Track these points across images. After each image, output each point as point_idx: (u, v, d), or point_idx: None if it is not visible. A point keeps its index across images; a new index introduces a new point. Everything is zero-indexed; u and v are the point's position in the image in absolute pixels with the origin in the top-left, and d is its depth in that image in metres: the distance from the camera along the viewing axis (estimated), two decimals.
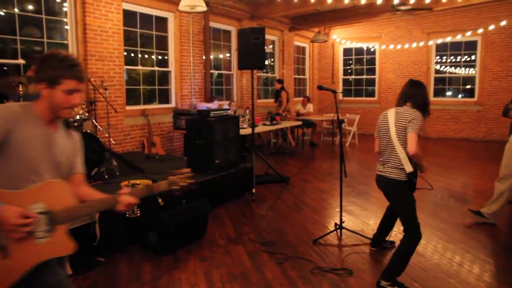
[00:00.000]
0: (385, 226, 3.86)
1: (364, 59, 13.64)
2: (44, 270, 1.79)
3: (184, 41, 8.45)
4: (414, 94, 3.30)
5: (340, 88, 14.01)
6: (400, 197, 3.29)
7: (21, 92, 4.45)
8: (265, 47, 6.03)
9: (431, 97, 12.14)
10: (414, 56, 12.39)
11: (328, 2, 9.10)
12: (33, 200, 1.70)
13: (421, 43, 12.11)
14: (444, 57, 12.21)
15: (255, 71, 6.53)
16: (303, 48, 13.79)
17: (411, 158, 3.16)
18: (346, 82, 14.10)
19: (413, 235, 3.16)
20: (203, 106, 8.12)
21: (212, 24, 9.31)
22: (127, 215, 3.90)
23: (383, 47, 12.84)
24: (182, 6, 6.36)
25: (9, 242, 1.65)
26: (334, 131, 11.21)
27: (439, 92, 12.46)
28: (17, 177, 1.72)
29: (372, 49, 13.28)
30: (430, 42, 12.02)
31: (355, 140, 11.13)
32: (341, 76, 14.06)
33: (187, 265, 3.61)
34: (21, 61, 5.90)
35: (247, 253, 3.87)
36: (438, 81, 12.39)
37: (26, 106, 1.82)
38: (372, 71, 13.46)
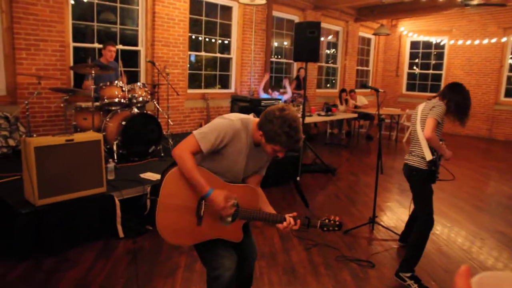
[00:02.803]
0: (414, 222, 3.97)
1: (432, 54, 13.22)
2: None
3: (246, 29, 8.77)
4: (451, 98, 3.38)
5: (404, 82, 13.74)
6: (417, 185, 3.43)
7: (93, 74, 5.01)
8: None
9: (502, 97, 11.60)
10: (486, 52, 11.80)
11: None
12: (232, 193, 2.14)
13: (493, 40, 11.50)
14: None
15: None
16: (368, 39, 13.62)
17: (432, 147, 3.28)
18: (410, 76, 13.78)
19: (425, 223, 3.30)
20: (265, 94, 8.45)
21: (276, 13, 9.53)
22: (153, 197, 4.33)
23: (453, 41, 12.35)
24: None
25: (204, 215, 2.15)
26: (392, 125, 11.11)
27: (511, 92, 11.82)
28: (220, 171, 2.19)
29: (441, 43, 12.83)
30: (504, 39, 11.39)
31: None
32: (406, 69, 13.75)
33: None
34: (97, 45, 6.52)
35: (280, 236, 4.17)
36: None
37: (247, 124, 2.18)
38: (439, 66, 13.02)
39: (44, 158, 3.48)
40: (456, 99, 3.34)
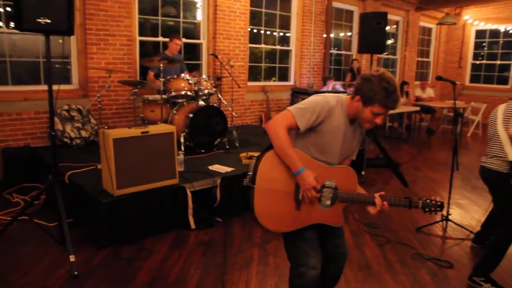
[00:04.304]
0: (491, 224, 3.77)
1: (500, 43, 12.50)
2: (331, 236, 2.28)
3: (306, 21, 8.66)
4: None
5: (467, 73, 13.10)
6: (497, 189, 3.20)
7: (161, 67, 5.12)
8: (387, 28, 5.99)
9: None
10: None
11: None
12: (330, 176, 2.13)
13: None
14: None
15: (375, 54, 6.52)
16: (429, 29, 13.08)
17: None
18: (475, 67, 13.11)
19: (506, 232, 3.09)
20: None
21: (335, 4, 9.34)
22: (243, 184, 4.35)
23: None
24: None
25: (303, 200, 2.11)
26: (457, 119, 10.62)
27: None
28: (316, 151, 2.13)
29: (510, 31, 12.08)
30: None
31: (478, 130, 10.45)
32: (470, 60, 13.10)
33: None
34: (161, 38, 6.65)
35: (350, 231, 4.09)
36: None
37: (340, 100, 2.11)
38: (507, 56, 12.29)
39: (121, 150, 3.59)
40: None
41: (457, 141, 4.23)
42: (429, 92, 10.93)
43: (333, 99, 2.09)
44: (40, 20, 3.06)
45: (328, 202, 2.15)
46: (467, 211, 4.84)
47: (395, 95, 1.99)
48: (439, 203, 2.17)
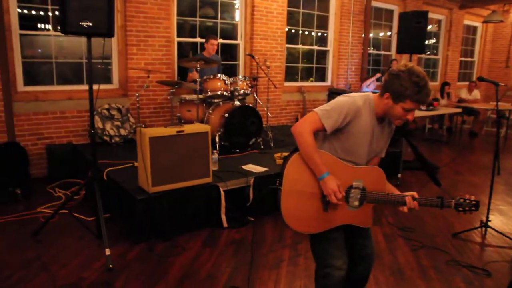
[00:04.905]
0: None
1: None
2: (359, 237, 2.29)
3: (344, 20, 8.57)
4: None
5: None
6: None
7: (198, 68, 5.21)
8: (429, 27, 5.84)
9: None
10: None
11: None
12: (357, 176, 2.14)
13: None
14: None
15: (414, 54, 6.38)
16: (474, 28, 12.62)
17: None
18: None
19: None
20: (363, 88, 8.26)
21: (374, 4, 9.19)
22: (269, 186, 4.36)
23: None
24: None
25: (330, 201, 2.08)
26: (502, 121, 10.22)
27: None
28: (343, 152, 2.11)
29: None
30: None
31: None
32: None
33: None
34: (199, 39, 6.76)
35: (383, 234, 4.03)
36: None
37: (367, 100, 2.08)
38: None
39: (157, 148, 3.68)
40: None
41: (499, 144, 4.07)
42: (475, 94, 10.54)
43: (360, 99, 2.06)
44: (82, 23, 3.20)
45: (356, 203, 2.14)
46: (509, 217, 4.65)
47: (427, 89, 1.93)
48: (474, 202, 2.09)
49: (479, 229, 4.21)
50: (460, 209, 2.10)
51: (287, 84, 7.99)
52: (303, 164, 2.06)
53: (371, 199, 2.14)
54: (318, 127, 2.02)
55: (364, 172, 2.13)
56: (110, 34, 3.39)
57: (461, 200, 2.10)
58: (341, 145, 2.10)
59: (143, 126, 5.32)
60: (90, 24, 3.20)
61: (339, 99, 2.06)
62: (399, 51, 6.10)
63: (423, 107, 8.80)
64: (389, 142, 2.28)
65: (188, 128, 3.90)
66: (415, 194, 2.10)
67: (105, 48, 5.84)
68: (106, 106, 5.70)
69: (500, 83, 4.06)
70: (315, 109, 2.05)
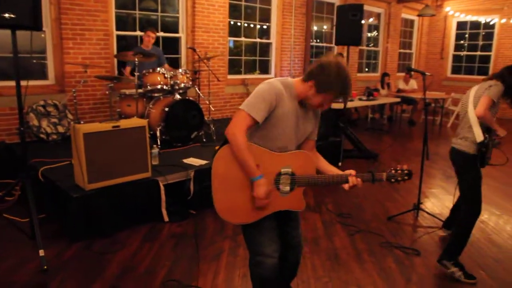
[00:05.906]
0: (459, 208, 3.84)
1: (480, 34, 12.62)
2: (288, 226, 2.34)
3: (286, 13, 8.68)
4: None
5: (449, 64, 13.23)
6: (465, 170, 3.25)
7: (136, 62, 5.12)
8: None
9: None
10: None
11: None
12: (284, 163, 2.14)
13: None
14: None
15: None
16: (411, 21, 13.16)
17: (486, 129, 3.11)
18: (456, 58, 13.24)
19: (471, 211, 3.17)
20: None
21: None
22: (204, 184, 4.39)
23: (504, 20, 11.71)
24: None
25: None
26: (436, 110, 10.75)
27: None
28: (271, 141, 2.11)
29: (490, 23, 12.21)
30: None
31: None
32: (451, 51, 13.21)
33: None
34: (138, 32, 6.63)
35: (322, 221, 4.15)
36: None
37: (287, 84, 2.11)
38: (487, 47, 12.42)
39: (92, 144, 3.60)
40: None
41: (427, 130, 4.29)
42: (412, 84, 11.01)
43: (279, 82, 2.09)
44: (5, 15, 3.05)
45: (287, 188, 2.17)
46: (439, 199, 4.93)
47: (350, 85, 2.02)
48: (406, 171, 2.15)
49: (412, 212, 4.43)
50: (393, 180, 2.17)
51: (230, 77, 8.00)
52: (231, 157, 2.07)
53: (302, 183, 2.18)
54: (250, 122, 2.02)
55: (290, 158, 2.16)
56: (37, 27, 3.25)
57: (393, 171, 2.17)
58: (268, 133, 2.11)
59: (81, 122, 5.16)
60: (13, 16, 3.06)
61: (260, 87, 2.07)
62: (337, 43, 6.29)
63: (364, 97, 9.11)
64: (318, 125, 2.33)
65: (124, 123, 3.83)
66: (352, 171, 2.16)
67: (40, 42, 5.64)
68: (42, 103, 5.47)
69: (426, 73, 4.28)
70: (240, 107, 2.05)
